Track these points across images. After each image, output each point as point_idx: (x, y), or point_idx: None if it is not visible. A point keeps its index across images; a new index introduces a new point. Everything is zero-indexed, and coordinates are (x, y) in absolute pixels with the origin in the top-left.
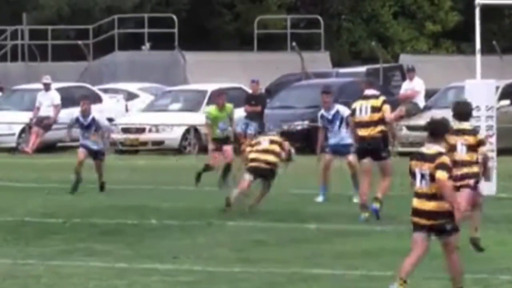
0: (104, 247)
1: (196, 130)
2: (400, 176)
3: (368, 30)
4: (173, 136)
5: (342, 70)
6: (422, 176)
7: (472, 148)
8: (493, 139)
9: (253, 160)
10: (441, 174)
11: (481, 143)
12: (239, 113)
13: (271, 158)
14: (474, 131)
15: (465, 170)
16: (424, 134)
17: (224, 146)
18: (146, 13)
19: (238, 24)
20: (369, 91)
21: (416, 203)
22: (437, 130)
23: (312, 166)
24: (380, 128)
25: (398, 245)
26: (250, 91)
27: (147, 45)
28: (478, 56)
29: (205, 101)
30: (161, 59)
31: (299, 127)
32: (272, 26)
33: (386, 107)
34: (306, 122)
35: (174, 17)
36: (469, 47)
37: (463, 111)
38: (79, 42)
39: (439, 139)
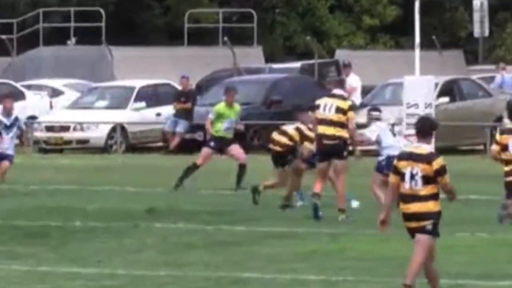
0: (27, 250)
1: (123, 128)
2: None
3: (303, 24)
4: (98, 134)
5: (276, 66)
6: (412, 177)
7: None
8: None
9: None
10: (445, 180)
11: None
12: (168, 110)
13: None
14: None
15: None
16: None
17: (229, 147)
18: (72, 7)
19: (168, 18)
20: (337, 91)
21: (406, 207)
22: (425, 129)
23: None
24: (342, 130)
25: (331, 248)
26: (179, 87)
27: (73, 39)
28: (417, 52)
29: (133, 98)
30: (88, 54)
31: None
32: (203, 20)
33: (351, 115)
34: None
35: (102, 10)
36: (408, 42)
37: None
38: (3, 36)
39: (428, 137)
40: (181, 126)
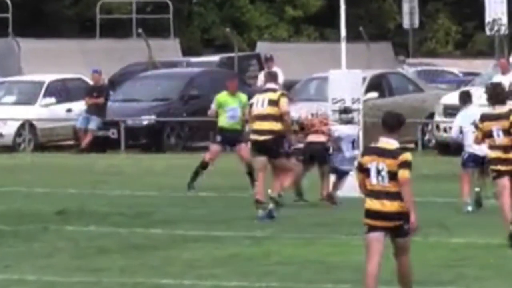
0: None
1: (31, 125)
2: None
3: (221, 15)
4: (6, 132)
5: (194, 60)
6: (379, 172)
7: (508, 132)
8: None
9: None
10: (405, 173)
11: None
12: (79, 106)
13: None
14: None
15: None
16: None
17: (240, 145)
18: None
19: (79, 8)
20: (269, 85)
21: (372, 203)
22: (392, 124)
23: (159, 166)
24: (277, 124)
25: (254, 252)
26: (91, 82)
27: None
28: (343, 44)
29: (42, 93)
30: None
31: (144, 122)
32: (116, 11)
33: (284, 100)
34: (153, 117)
35: (8, 0)
36: (334, 34)
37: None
38: None
39: (394, 132)
40: (93, 123)
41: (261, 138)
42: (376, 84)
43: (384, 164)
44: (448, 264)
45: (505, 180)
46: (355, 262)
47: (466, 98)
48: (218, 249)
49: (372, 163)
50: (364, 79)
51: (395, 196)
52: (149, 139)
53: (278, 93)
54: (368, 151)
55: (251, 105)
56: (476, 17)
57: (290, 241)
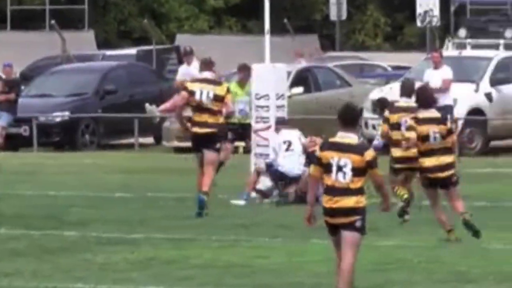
0: None
1: None
2: (180, 174)
3: (139, 6)
4: None
5: (110, 53)
6: (340, 168)
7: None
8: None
9: None
10: (378, 172)
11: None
12: None
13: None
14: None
15: None
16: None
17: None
18: None
19: None
20: (208, 74)
21: (332, 200)
22: (349, 118)
23: (73, 165)
24: (220, 118)
25: (172, 255)
26: (2, 76)
27: None
28: (267, 37)
29: None
30: None
31: (58, 119)
32: (28, 1)
33: (229, 98)
34: (67, 113)
35: None
36: (257, 26)
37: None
38: None
39: (353, 127)
40: (4, 120)
41: (203, 130)
42: (302, 79)
43: (348, 160)
44: (378, 268)
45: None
46: (279, 266)
47: (383, 106)
48: (134, 252)
49: (334, 158)
50: (289, 73)
51: (353, 192)
52: (62, 137)
53: (225, 87)
54: (328, 146)
55: (190, 92)
56: (406, 8)
57: (211, 244)
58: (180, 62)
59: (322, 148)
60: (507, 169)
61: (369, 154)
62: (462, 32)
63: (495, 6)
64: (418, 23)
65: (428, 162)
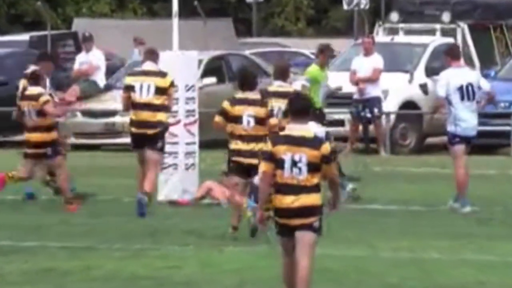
0: None
1: None
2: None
3: None
4: None
5: None
6: (295, 164)
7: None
8: (195, 128)
9: None
10: (332, 169)
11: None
12: None
13: None
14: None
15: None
16: (103, 121)
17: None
18: None
19: None
20: (150, 65)
21: (283, 199)
22: (301, 107)
23: None
24: (161, 114)
25: (71, 265)
26: None
27: None
28: (175, 21)
29: None
30: None
31: None
32: None
33: (174, 91)
34: None
35: None
36: (164, 9)
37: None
38: None
39: (305, 118)
40: None
41: (141, 131)
42: (215, 68)
43: (304, 155)
44: None
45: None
46: (190, 277)
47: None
48: (28, 262)
49: (287, 153)
50: (200, 61)
51: (309, 190)
52: None
53: (169, 79)
54: (280, 139)
55: (128, 88)
56: None
57: (114, 253)
58: (78, 49)
59: (275, 142)
60: (443, 169)
61: (325, 148)
62: (394, 15)
63: None
64: (345, 6)
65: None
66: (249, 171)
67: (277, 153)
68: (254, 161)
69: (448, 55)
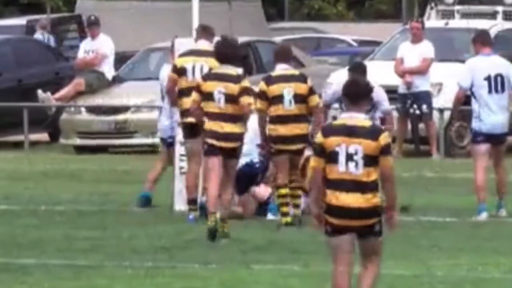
0: None
1: None
2: (82, 180)
3: None
4: None
5: None
6: (350, 156)
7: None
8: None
9: None
10: (389, 161)
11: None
12: None
13: None
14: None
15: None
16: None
17: None
18: None
19: None
20: (204, 43)
21: (343, 197)
22: (359, 94)
23: None
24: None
25: (74, 285)
26: None
27: None
28: (195, 2)
29: None
30: None
31: None
32: None
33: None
34: None
35: None
36: None
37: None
38: None
39: (363, 105)
40: None
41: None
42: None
43: (359, 147)
44: None
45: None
46: None
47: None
48: (24, 282)
49: (341, 145)
50: None
51: (367, 187)
52: None
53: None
54: (332, 130)
55: (181, 71)
56: None
57: (123, 272)
58: (83, 35)
59: (326, 134)
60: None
61: (384, 138)
62: None
63: None
64: None
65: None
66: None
67: (329, 146)
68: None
69: (477, 41)
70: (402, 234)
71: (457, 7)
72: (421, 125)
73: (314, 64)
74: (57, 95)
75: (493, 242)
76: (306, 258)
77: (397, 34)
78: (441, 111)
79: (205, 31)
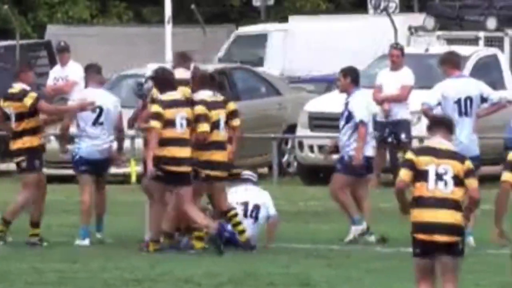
0: None
1: None
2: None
3: None
4: None
5: None
6: (439, 176)
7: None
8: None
9: None
10: (475, 182)
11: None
12: None
13: None
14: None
15: None
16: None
17: None
18: None
19: None
20: (182, 72)
21: (433, 213)
22: (448, 124)
23: None
24: None
25: None
26: None
27: None
28: (168, 28)
29: None
30: None
31: None
32: None
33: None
34: None
35: None
36: (155, 14)
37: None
38: None
39: (451, 134)
40: None
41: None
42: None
43: (449, 167)
44: None
45: None
46: None
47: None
48: None
49: (431, 165)
50: None
51: (457, 206)
52: None
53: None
54: (423, 150)
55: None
56: None
57: None
58: (52, 61)
59: (418, 153)
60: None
61: (469, 162)
62: (429, 22)
63: None
64: (370, 10)
65: None
66: None
67: (419, 164)
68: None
69: (447, 64)
70: (381, 265)
71: (437, 33)
72: (400, 154)
73: (292, 92)
74: None
75: (474, 274)
76: None
77: (374, 60)
78: (420, 140)
79: (182, 58)
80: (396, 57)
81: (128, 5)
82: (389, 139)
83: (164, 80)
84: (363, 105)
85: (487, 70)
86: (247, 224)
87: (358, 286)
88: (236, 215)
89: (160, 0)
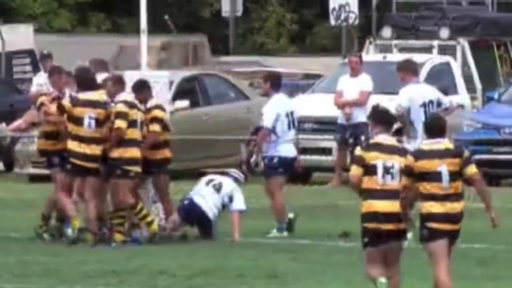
0: None
1: None
2: (37, 208)
3: None
4: None
5: None
6: (387, 170)
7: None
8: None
9: None
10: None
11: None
12: None
13: None
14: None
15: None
16: None
17: None
18: None
19: None
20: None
21: (383, 204)
22: (385, 118)
23: None
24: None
25: None
26: None
27: None
28: (143, 37)
29: None
30: None
31: None
32: None
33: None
34: None
35: None
36: (131, 24)
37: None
38: None
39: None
40: None
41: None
42: (188, 90)
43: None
44: None
45: None
46: None
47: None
48: None
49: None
50: (171, 82)
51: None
52: None
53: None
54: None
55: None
56: (316, 3)
57: None
58: (36, 69)
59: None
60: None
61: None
62: (387, 31)
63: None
64: (332, 21)
65: None
66: None
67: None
68: None
69: (406, 70)
70: (344, 259)
71: (394, 42)
72: None
73: (259, 97)
74: (11, 126)
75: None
76: (251, 282)
77: (337, 68)
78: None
79: (102, 65)
80: (355, 63)
81: (107, 15)
82: (350, 140)
83: (84, 80)
84: (273, 109)
85: (441, 77)
86: (206, 192)
87: (322, 278)
88: (142, 208)
89: (136, 10)
